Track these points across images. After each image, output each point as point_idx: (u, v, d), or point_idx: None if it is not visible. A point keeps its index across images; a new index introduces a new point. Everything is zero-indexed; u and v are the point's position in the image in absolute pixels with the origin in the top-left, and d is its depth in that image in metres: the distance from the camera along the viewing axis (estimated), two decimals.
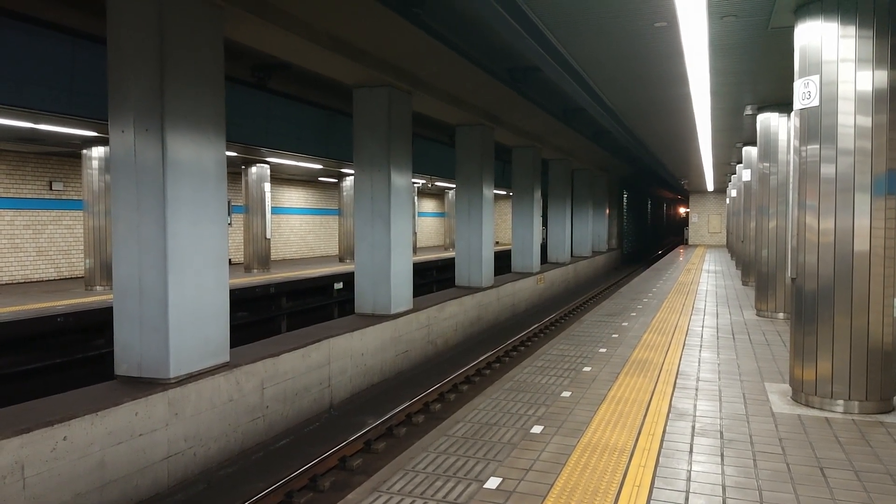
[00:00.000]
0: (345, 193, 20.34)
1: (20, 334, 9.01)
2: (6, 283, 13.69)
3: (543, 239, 23.18)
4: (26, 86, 8.46)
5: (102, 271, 12.33)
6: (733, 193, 23.77)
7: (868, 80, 5.10)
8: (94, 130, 10.68)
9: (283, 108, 13.54)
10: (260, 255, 16.91)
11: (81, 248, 14.66)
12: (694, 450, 4.53)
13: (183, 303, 6.37)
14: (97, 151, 12.17)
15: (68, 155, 14.38)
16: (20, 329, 8.95)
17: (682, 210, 69.63)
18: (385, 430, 7.91)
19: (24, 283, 13.98)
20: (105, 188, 12.14)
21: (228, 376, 6.85)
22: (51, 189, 14.59)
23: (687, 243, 38.18)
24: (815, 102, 5.31)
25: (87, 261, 12.50)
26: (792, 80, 5.60)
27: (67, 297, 11.18)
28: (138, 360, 6.31)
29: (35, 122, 9.53)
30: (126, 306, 6.36)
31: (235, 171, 17.23)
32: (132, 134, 6.25)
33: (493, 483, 3.99)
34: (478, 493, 3.84)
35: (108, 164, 11.88)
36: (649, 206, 55.85)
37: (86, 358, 9.92)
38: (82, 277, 13.92)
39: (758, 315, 10.82)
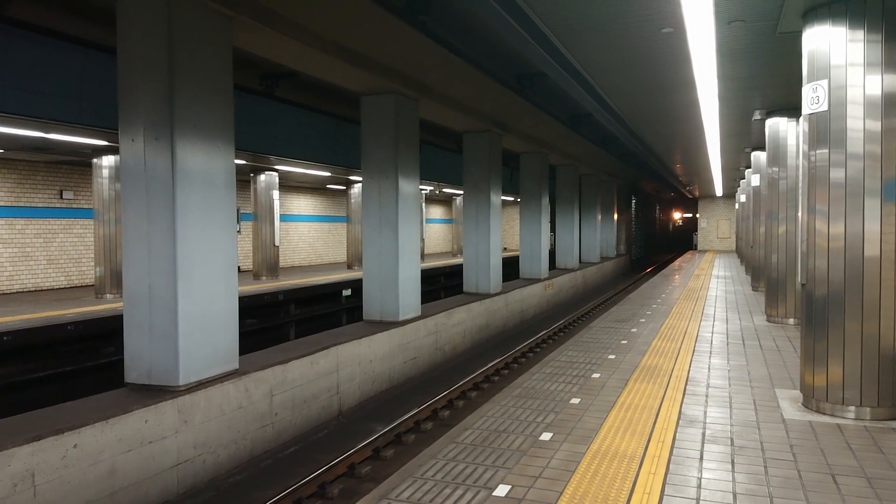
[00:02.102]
0: (353, 200, 20.40)
1: (31, 342, 9.06)
2: (17, 291, 13.79)
3: (551, 245, 23.16)
4: (36, 95, 8.54)
5: (112, 279, 12.40)
6: (742, 198, 23.69)
7: (877, 84, 5.08)
8: (103, 139, 10.75)
9: (291, 116, 13.60)
10: (268, 263, 16.96)
11: (92, 256, 14.77)
12: (704, 457, 4.50)
13: (192, 310, 6.39)
14: (107, 160, 12.26)
15: (78, 164, 14.49)
16: (31, 337, 9.00)
17: (676, 216, 62.99)
18: (394, 437, 7.90)
19: (35, 291, 14.08)
20: (115, 197, 12.22)
21: (237, 383, 6.87)
22: (61, 198, 14.69)
23: (696, 249, 38.03)
24: (824, 107, 5.29)
25: (98, 269, 12.58)
26: (800, 85, 5.59)
27: (78, 305, 11.25)
28: (148, 367, 6.34)
29: (45, 132, 9.60)
30: (136, 314, 6.39)
31: (244, 179, 17.31)
32: (142, 143, 6.29)
33: (502, 490, 3.97)
34: (487, 501, 3.83)
35: (118, 173, 11.96)
36: (658, 211, 55.61)
37: (96, 366, 9.96)
38: (92, 285, 14.00)
39: (768, 321, 10.75)
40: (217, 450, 6.57)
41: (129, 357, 6.43)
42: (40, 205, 14.31)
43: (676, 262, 28.06)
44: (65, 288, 14.68)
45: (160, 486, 5.91)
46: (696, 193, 36.83)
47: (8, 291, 13.64)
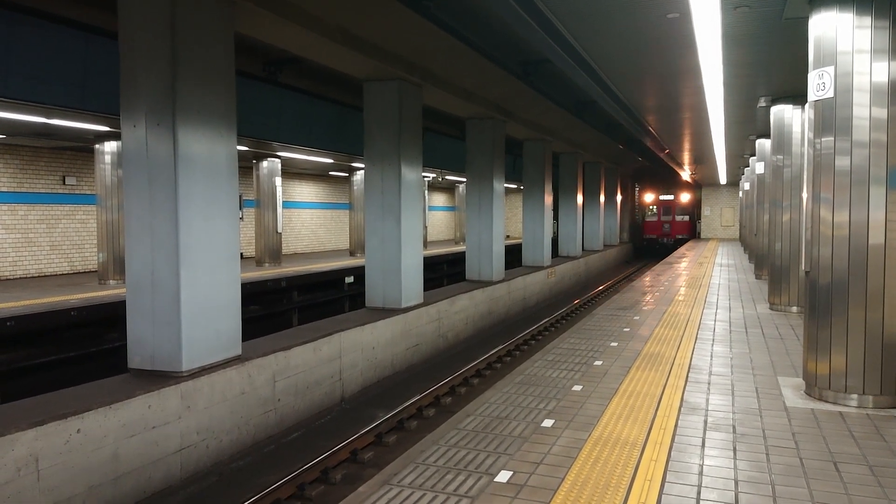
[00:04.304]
0: (355, 188, 20.37)
1: (35, 328, 9.08)
2: (21, 277, 13.82)
3: (554, 232, 23.12)
4: (39, 81, 8.51)
5: (115, 265, 12.41)
6: (746, 186, 23.59)
7: (884, 71, 5.03)
8: (106, 125, 10.73)
9: (293, 102, 13.56)
10: (271, 249, 16.96)
11: (94, 242, 14.78)
12: (706, 444, 4.51)
13: (195, 297, 6.40)
14: (109, 146, 12.24)
15: (81, 150, 14.47)
16: (35, 323, 9.02)
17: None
18: (396, 424, 7.93)
19: (38, 276, 14.10)
20: (117, 183, 12.21)
21: (240, 369, 6.89)
22: (64, 184, 14.69)
23: (699, 237, 37.93)
24: (830, 94, 5.25)
25: (100, 255, 12.59)
26: (806, 72, 5.54)
27: (81, 291, 11.26)
28: (151, 353, 6.36)
29: (48, 117, 9.58)
30: (139, 300, 6.40)
31: (246, 166, 17.27)
32: (144, 129, 6.28)
33: (503, 476, 3.98)
34: (489, 487, 3.84)
35: (120, 159, 11.93)
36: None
37: (99, 351, 9.99)
38: (95, 271, 14.02)
39: (771, 309, 10.74)
40: (220, 435, 6.59)
41: (132, 343, 6.45)
42: (43, 191, 14.31)
43: (680, 250, 28.00)
44: (68, 274, 14.71)
45: (163, 470, 5.95)
46: (701, 182, 36.61)
47: (11, 277, 13.67)
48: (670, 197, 37.62)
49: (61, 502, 5.05)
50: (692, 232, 37.32)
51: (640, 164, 32.00)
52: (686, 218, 37.34)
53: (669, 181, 37.10)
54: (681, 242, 35.33)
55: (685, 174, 30.79)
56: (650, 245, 37.31)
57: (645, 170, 35.91)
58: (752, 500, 3.64)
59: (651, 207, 38.27)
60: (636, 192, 40.31)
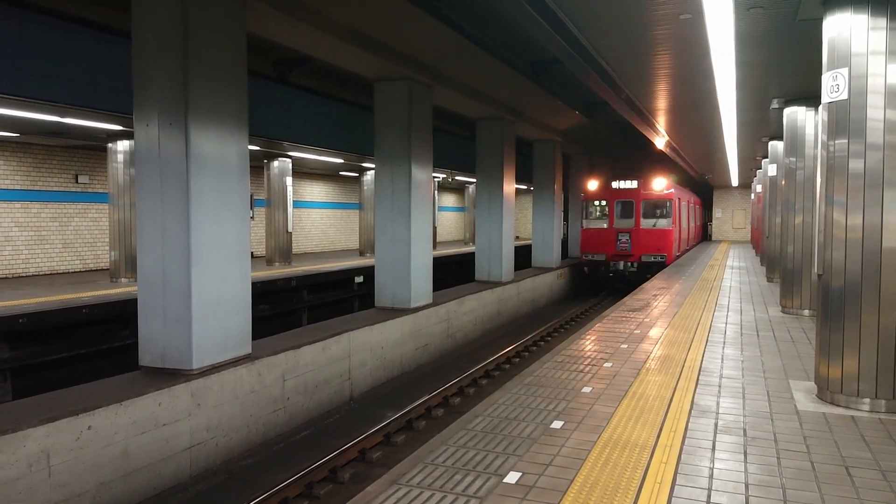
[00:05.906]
0: (365, 188, 20.40)
1: (47, 325, 9.14)
2: (33, 275, 13.91)
3: (564, 234, 23.04)
4: (51, 80, 8.57)
5: (127, 263, 12.48)
6: (758, 188, 23.44)
7: None
8: (118, 124, 10.79)
9: (304, 102, 13.59)
10: (281, 249, 17.02)
11: (106, 240, 14.86)
12: (716, 447, 4.48)
13: (206, 295, 6.43)
14: (122, 145, 12.31)
15: (94, 148, 14.56)
16: (47, 320, 9.08)
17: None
18: (405, 423, 7.93)
19: (51, 274, 14.20)
20: (130, 181, 12.28)
21: (250, 368, 6.91)
22: (76, 182, 14.78)
23: (710, 239, 37.72)
24: (844, 96, 5.20)
25: (112, 253, 12.66)
26: (820, 73, 5.50)
27: (92, 289, 11.33)
28: (162, 351, 6.39)
29: (60, 116, 9.65)
30: (150, 298, 6.43)
31: (257, 165, 17.33)
32: (156, 128, 6.31)
33: (512, 477, 3.97)
34: (497, 488, 3.83)
35: (132, 158, 12.00)
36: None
37: (110, 349, 10.04)
38: (107, 269, 14.10)
39: (783, 312, 10.67)
40: (230, 433, 6.62)
41: (143, 341, 6.49)
42: (56, 189, 14.41)
43: (690, 253, 27.83)
44: (80, 271, 14.80)
45: (173, 467, 5.97)
46: (712, 183, 36.33)
47: (24, 274, 13.77)
48: (632, 185, 20.59)
49: (72, 499, 5.09)
50: (675, 248, 21.61)
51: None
52: (662, 223, 20.63)
53: (633, 159, 23.00)
54: (652, 269, 19.69)
55: (660, 140, 16.86)
56: (593, 272, 20.80)
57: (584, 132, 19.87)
58: (762, 503, 3.62)
59: (596, 204, 21.14)
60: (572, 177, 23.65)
